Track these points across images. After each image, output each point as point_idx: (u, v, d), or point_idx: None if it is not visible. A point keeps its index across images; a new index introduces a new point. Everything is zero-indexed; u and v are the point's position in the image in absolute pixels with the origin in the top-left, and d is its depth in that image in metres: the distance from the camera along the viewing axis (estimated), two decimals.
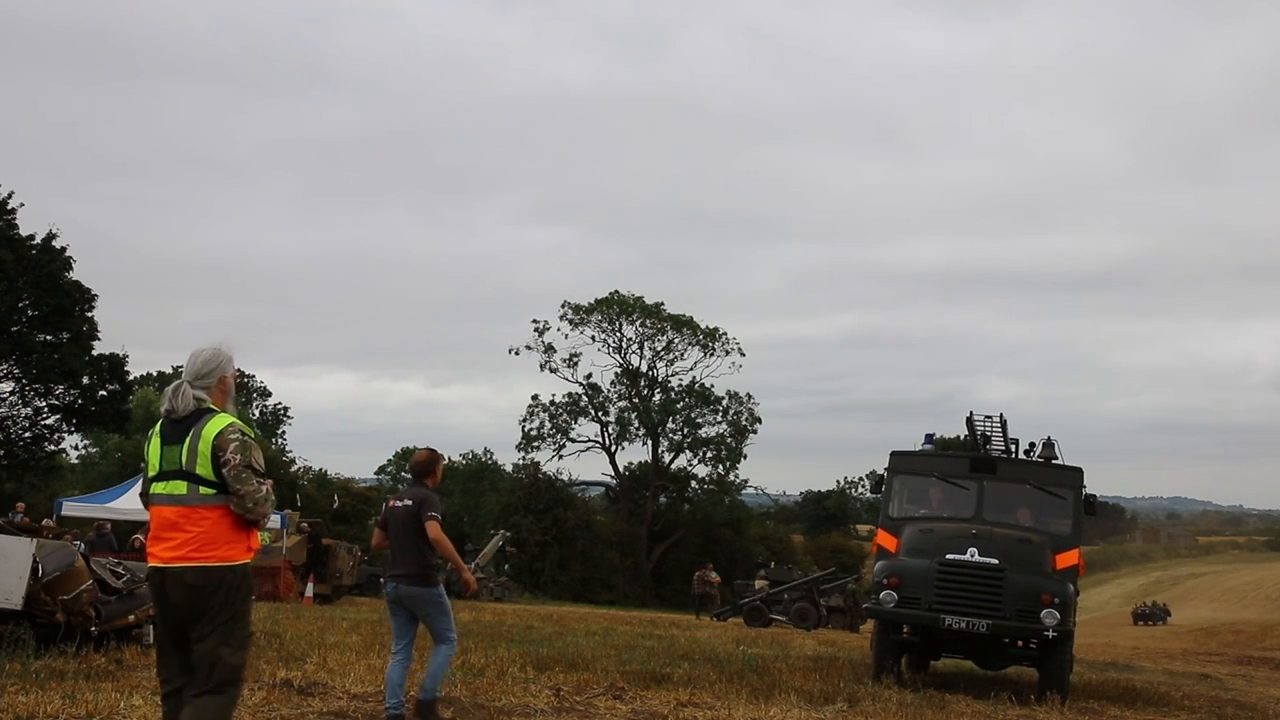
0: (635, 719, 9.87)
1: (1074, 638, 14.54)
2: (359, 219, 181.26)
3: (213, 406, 5.93)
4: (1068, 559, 14.23)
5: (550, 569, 57.44)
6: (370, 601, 31.26)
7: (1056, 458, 15.41)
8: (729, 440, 66.11)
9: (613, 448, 66.77)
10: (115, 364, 44.11)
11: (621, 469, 67.44)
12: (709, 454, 66.14)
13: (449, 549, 8.58)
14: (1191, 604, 77.41)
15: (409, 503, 8.68)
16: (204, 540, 5.76)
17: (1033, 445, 16.00)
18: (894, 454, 15.54)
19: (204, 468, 5.76)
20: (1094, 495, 15.07)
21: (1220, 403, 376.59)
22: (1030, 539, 14.20)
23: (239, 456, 5.75)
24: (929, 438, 16.15)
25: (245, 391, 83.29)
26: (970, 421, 16.26)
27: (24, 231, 41.44)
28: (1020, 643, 14.02)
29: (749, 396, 66.92)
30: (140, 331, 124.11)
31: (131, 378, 46.33)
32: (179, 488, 5.81)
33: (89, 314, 42.69)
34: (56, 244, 41.95)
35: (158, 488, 5.88)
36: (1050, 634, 13.32)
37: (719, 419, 66.42)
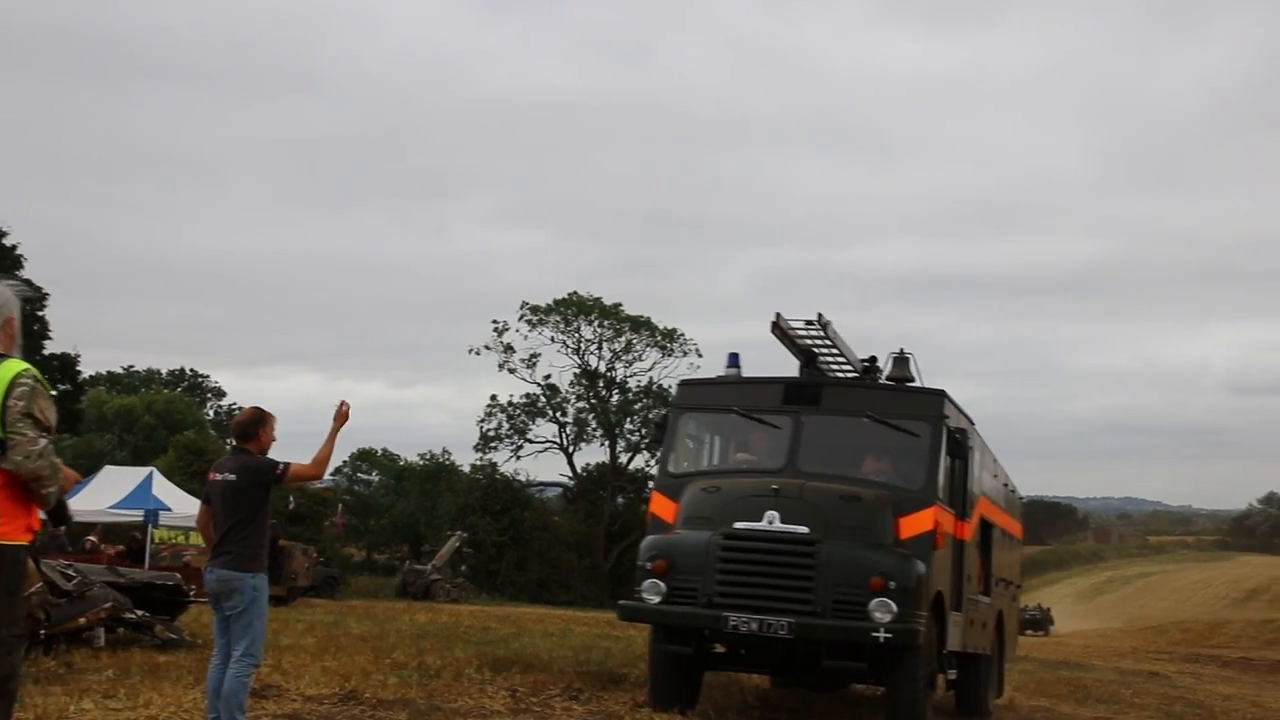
0: None
1: (943, 644, 10.64)
2: (332, 221, 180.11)
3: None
4: (918, 523, 10.00)
5: (507, 570, 57.25)
6: (326, 604, 31.09)
7: (911, 379, 11.25)
8: None
9: (570, 448, 66.68)
10: (67, 364, 43.73)
11: (579, 470, 67.39)
12: None
13: (323, 452, 7.29)
14: (1141, 603, 78.22)
15: (230, 476, 7.30)
16: None
17: (874, 360, 11.69)
18: (682, 384, 11.97)
19: None
20: (964, 430, 11.08)
21: (1174, 405, 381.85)
22: (859, 495, 10.07)
23: (22, 403, 4.92)
24: (734, 359, 11.48)
25: (199, 392, 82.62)
26: (779, 327, 11.22)
27: None
28: (870, 650, 9.54)
29: None
30: (97, 331, 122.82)
31: (84, 377, 45.89)
32: None
33: (39, 313, 42.24)
34: (7, 241, 41.48)
35: None
36: (880, 636, 9.21)
37: None
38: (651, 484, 11.22)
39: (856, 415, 10.63)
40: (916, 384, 11.23)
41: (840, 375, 12.02)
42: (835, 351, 11.71)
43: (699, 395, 11.53)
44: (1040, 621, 54.57)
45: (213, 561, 7.33)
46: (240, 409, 8.05)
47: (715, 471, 10.96)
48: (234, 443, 7.63)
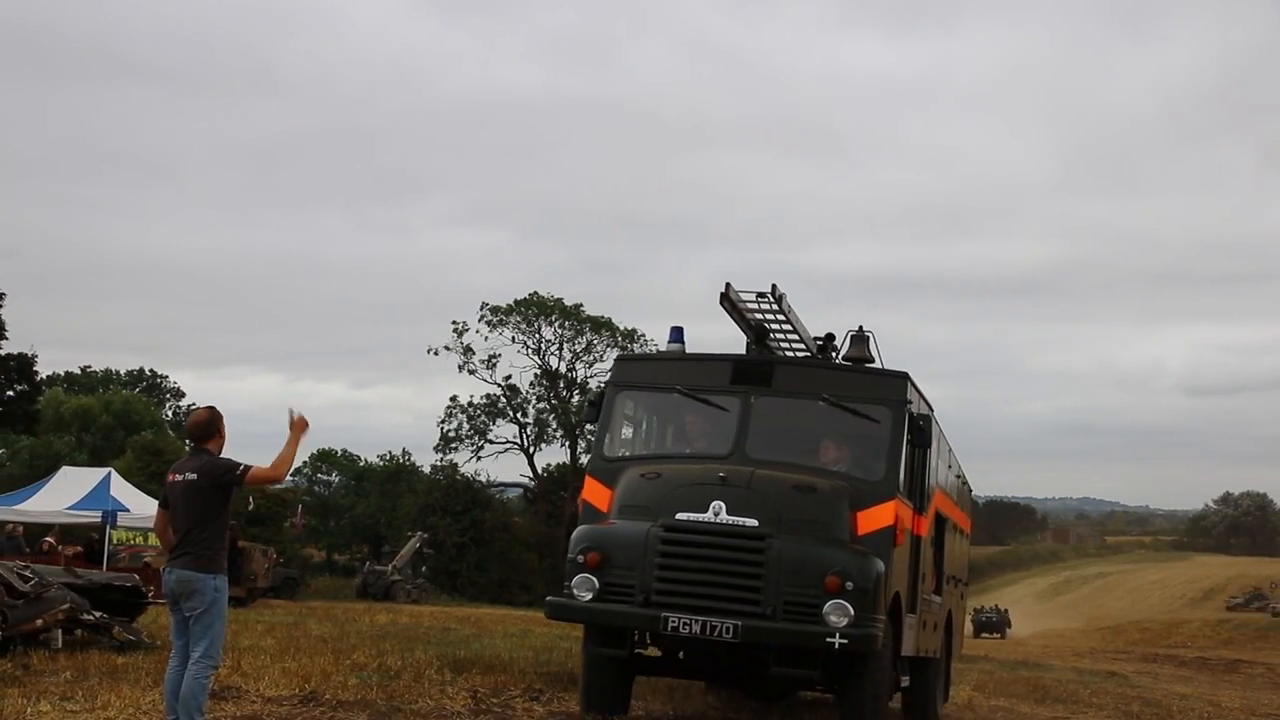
0: None
1: (899, 649, 9.85)
2: (292, 221, 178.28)
3: None
4: (877, 518, 9.17)
5: (468, 571, 57.12)
6: (286, 605, 30.90)
7: (870, 359, 10.27)
8: None
9: (531, 449, 66.69)
10: (24, 364, 43.31)
11: (540, 470, 67.34)
12: None
13: (284, 455, 7.21)
14: (1099, 603, 78.97)
15: (191, 475, 7.23)
16: None
17: (830, 338, 10.74)
18: (619, 360, 11.02)
19: None
20: (926, 417, 10.14)
21: (1130, 405, 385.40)
22: (814, 485, 9.23)
23: None
24: (677, 333, 10.42)
25: (158, 392, 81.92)
26: (728, 299, 10.17)
27: None
28: (824, 656, 8.79)
29: None
30: (54, 331, 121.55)
31: (41, 377, 45.50)
32: None
33: None
34: None
35: None
36: (836, 642, 8.44)
37: None
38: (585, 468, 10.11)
39: (811, 398, 9.70)
40: (877, 365, 10.28)
41: (794, 354, 11.08)
42: (789, 328, 10.74)
43: (638, 372, 10.70)
44: (998, 624, 53.29)
45: (171, 562, 7.25)
46: (196, 408, 8.01)
47: (655, 456, 9.96)
48: (192, 444, 7.57)
